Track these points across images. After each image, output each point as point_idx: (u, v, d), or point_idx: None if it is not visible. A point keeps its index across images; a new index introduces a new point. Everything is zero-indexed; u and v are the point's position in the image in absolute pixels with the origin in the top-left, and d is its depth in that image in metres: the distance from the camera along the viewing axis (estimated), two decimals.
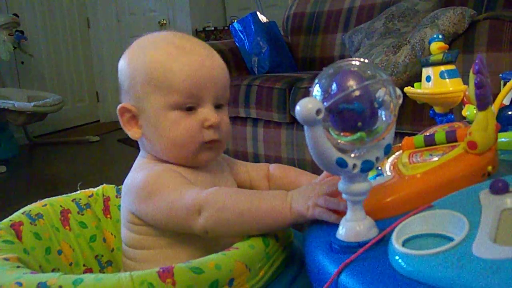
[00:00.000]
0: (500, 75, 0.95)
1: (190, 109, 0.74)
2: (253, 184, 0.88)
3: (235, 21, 2.99)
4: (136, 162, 0.81)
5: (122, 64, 0.78)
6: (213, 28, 4.78)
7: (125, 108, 0.77)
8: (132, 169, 0.79)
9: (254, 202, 0.65)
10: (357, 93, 0.47)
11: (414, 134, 0.74)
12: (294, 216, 0.62)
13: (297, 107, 0.45)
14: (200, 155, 0.76)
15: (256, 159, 2.43)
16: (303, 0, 2.97)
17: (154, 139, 0.77)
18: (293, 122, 2.23)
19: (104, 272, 0.89)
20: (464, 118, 0.89)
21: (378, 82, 0.48)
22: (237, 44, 2.80)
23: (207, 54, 0.76)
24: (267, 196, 0.66)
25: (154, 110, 0.74)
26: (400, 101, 0.50)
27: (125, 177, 0.78)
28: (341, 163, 0.48)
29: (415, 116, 1.76)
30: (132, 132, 0.78)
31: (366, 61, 0.50)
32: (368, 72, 0.49)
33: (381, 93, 0.48)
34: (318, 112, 0.45)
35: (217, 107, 0.77)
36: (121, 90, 0.79)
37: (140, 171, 0.76)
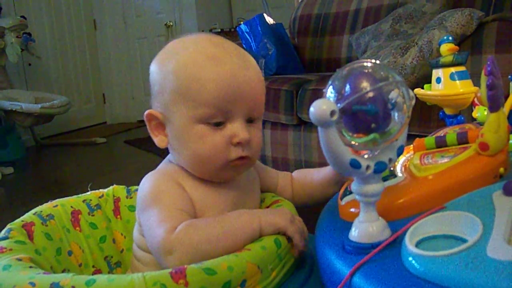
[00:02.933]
0: (509, 76, 0.94)
1: (218, 124, 0.69)
2: (279, 190, 0.87)
3: (242, 22, 2.99)
4: (160, 164, 0.79)
5: (153, 68, 0.74)
6: (219, 30, 4.78)
7: (152, 115, 0.74)
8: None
9: (226, 224, 0.65)
10: (370, 94, 0.47)
11: (422, 136, 0.74)
12: (264, 225, 0.65)
13: (311, 109, 0.45)
14: (224, 173, 0.73)
15: (263, 161, 2.43)
16: (309, 2, 2.97)
17: (179, 150, 0.73)
18: (300, 124, 2.22)
19: (113, 273, 0.89)
20: (474, 119, 0.89)
21: (392, 84, 0.49)
22: (244, 46, 2.80)
23: (241, 64, 0.70)
24: (234, 215, 0.67)
25: (180, 121, 0.70)
26: (413, 102, 0.51)
27: (132, 178, 0.77)
28: (355, 164, 0.49)
29: (423, 118, 1.75)
30: (158, 139, 0.75)
31: (378, 62, 0.50)
32: (381, 73, 0.49)
33: (394, 95, 0.48)
34: (332, 113, 0.45)
35: (249, 121, 0.72)
36: (151, 94, 0.76)
37: (149, 178, 0.74)
